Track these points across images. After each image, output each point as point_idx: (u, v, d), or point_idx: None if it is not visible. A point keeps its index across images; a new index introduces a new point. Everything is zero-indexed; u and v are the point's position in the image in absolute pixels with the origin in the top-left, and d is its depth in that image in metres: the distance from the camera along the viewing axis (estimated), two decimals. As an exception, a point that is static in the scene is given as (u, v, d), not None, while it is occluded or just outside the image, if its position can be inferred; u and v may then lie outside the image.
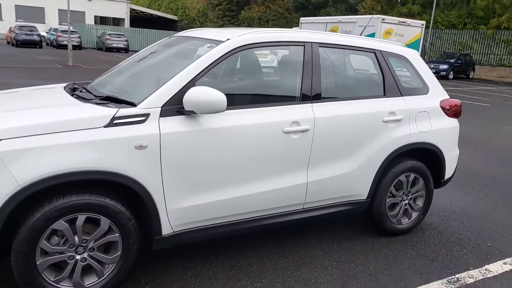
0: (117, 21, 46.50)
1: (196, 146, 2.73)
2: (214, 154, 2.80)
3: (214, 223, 2.93)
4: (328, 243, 3.61)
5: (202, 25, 49.58)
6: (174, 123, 2.67)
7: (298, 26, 36.53)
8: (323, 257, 3.37)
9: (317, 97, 3.22)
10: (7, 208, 2.27)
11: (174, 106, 2.69)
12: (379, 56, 3.62)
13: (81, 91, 3.19)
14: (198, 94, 2.63)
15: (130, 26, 43.39)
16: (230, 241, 3.44)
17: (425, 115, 3.72)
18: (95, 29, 37.87)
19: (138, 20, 49.17)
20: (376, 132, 3.46)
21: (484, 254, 3.60)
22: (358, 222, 4.03)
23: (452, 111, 3.90)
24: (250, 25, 42.81)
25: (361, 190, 3.50)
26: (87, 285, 2.58)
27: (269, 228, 3.21)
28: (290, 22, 38.51)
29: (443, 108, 3.84)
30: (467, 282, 3.13)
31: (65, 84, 3.56)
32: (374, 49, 3.62)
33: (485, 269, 3.34)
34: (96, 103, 2.74)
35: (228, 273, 3.07)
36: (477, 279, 3.19)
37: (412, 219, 3.87)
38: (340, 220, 4.01)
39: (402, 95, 3.65)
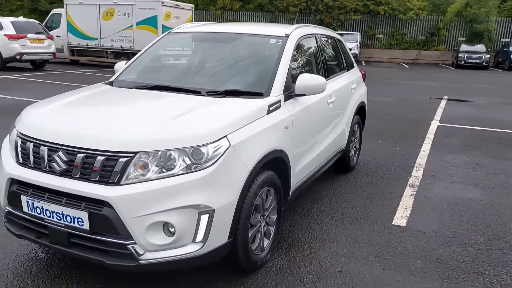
0: None
1: (303, 121, 3.52)
2: (309, 125, 3.67)
3: (304, 180, 3.76)
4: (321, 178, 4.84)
5: None
6: (292, 105, 3.37)
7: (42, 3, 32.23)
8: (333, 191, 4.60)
9: (327, 75, 4.32)
10: (244, 191, 2.64)
11: (287, 92, 3.36)
12: (337, 41, 4.95)
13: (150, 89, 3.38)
14: (307, 80, 3.38)
15: None
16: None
17: (359, 82, 5.28)
18: None
19: None
20: (350, 97, 4.82)
21: (401, 168, 5.52)
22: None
23: (364, 78, 5.60)
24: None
25: (345, 140, 4.83)
26: (265, 247, 3.10)
27: (318, 177, 4.20)
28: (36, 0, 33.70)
29: (362, 76, 5.50)
30: (416, 184, 4.94)
31: (105, 83, 3.58)
32: (333, 37, 4.91)
33: (414, 176, 5.24)
34: (214, 96, 3.13)
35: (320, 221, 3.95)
36: (418, 181, 5.04)
37: (356, 156, 5.46)
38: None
39: (350, 69, 5.10)
